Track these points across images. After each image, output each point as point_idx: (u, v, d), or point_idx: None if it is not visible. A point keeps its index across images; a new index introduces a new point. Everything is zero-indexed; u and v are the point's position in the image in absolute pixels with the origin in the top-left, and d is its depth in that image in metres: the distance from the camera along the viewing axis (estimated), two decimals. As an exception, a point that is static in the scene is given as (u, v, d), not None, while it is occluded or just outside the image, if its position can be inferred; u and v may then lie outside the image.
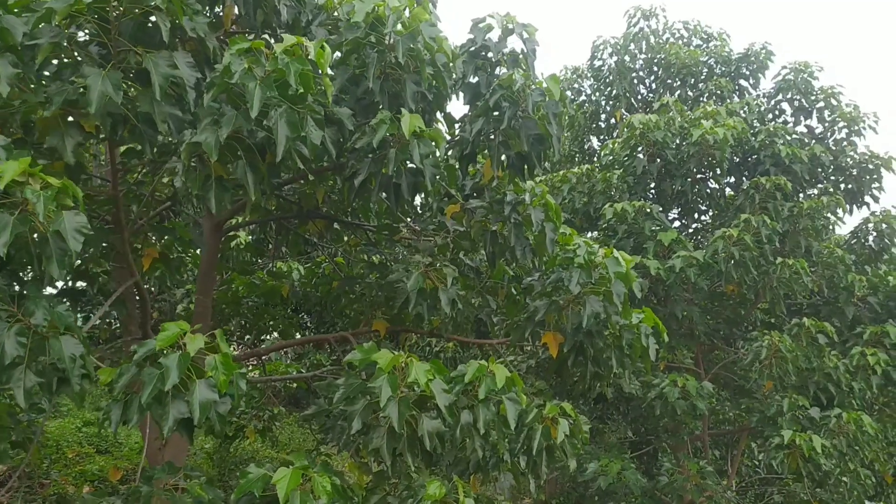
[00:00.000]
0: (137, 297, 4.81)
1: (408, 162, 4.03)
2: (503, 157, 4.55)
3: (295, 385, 10.82)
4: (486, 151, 4.81)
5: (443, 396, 4.11)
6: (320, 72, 3.56)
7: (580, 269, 4.90)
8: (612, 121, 13.51)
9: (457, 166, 5.75)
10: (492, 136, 4.54)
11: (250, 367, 8.40)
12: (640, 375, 9.56)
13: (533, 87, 4.33)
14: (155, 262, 4.78)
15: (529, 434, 4.67)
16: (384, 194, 4.38)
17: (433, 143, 3.91)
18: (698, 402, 8.63)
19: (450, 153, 4.97)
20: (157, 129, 3.37)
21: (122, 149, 4.85)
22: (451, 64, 4.37)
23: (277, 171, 3.76)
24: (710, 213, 10.44)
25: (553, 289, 5.18)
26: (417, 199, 6.66)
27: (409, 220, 6.47)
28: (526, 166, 4.60)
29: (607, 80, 12.85)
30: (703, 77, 11.94)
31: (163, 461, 5.82)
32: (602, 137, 13.98)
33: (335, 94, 4.16)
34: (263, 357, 12.60)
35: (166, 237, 5.06)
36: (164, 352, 3.28)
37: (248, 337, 8.18)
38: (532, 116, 4.34)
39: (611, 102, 13.10)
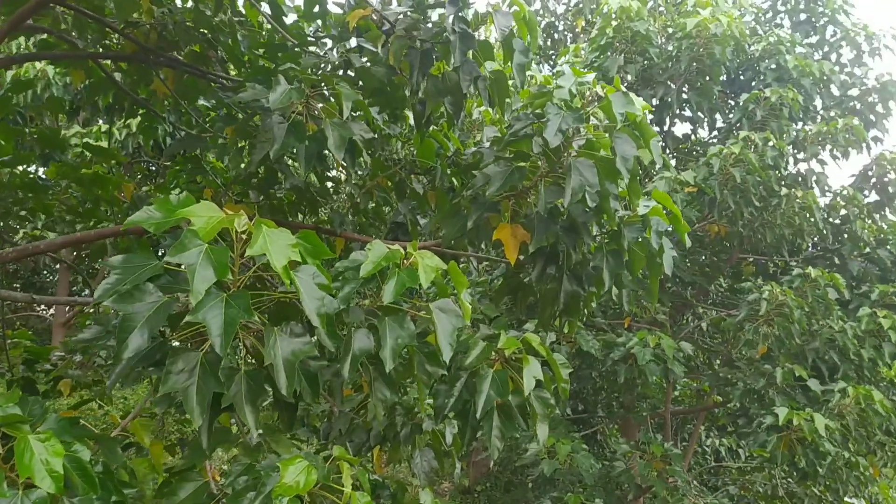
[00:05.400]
0: None
1: None
2: None
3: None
4: None
5: (315, 295, 2.23)
6: None
7: (563, 110, 3.06)
8: (570, 37, 11.76)
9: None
10: None
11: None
12: (597, 329, 7.92)
13: None
14: None
15: (472, 382, 2.84)
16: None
17: None
18: (675, 366, 7.03)
19: None
20: None
21: None
22: None
23: None
24: (694, 137, 8.83)
25: (516, 150, 3.34)
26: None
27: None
28: None
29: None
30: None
31: None
32: (553, 58, 12.21)
33: None
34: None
35: None
36: None
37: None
38: None
39: (570, 12, 11.34)
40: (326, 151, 3.19)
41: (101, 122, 10.74)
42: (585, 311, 4.06)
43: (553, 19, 11.65)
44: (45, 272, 16.46)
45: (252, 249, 2.10)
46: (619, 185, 3.19)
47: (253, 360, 2.47)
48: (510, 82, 3.40)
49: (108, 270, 2.20)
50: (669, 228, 3.45)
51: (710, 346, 9.32)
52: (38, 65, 8.96)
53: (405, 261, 2.51)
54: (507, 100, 3.45)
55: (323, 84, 2.98)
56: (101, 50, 4.88)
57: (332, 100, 3.11)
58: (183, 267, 2.02)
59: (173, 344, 2.30)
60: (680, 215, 3.47)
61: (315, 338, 2.36)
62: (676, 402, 11.57)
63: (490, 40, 3.49)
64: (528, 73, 3.51)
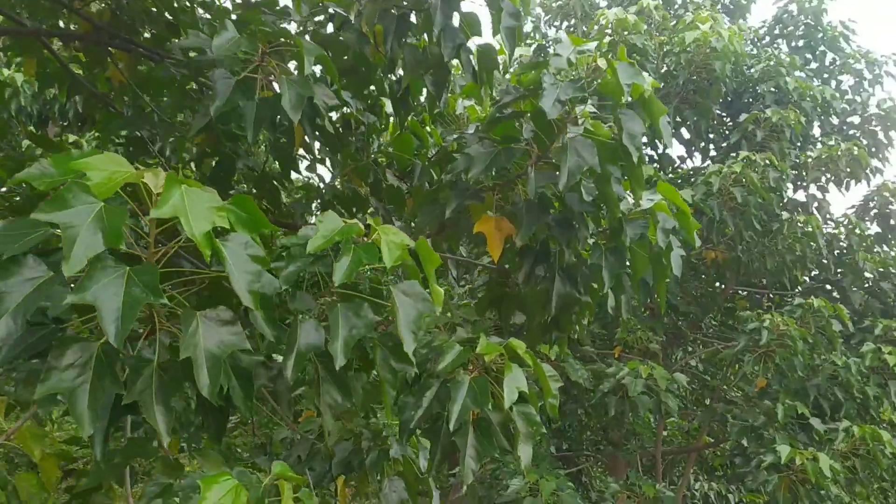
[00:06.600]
0: None
1: None
2: None
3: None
4: None
5: (247, 269, 1.79)
6: None
7: (562, 80, 2.66)
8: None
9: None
10: None
11: None
12: (586, 359, 7.46)
13: None
14: None
15: (445, 389, 2.40)
16: None
17: None
18: (668, 398, 6.58)
19: None
20: None
21: None
22: None
23: None
24: (691, 161, 8.50)
25: (504, 134, 2.92)
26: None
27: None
28: None
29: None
30: (677, 4, 10.03)
31: None
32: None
33: None
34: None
35: None
36: None
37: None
38: None
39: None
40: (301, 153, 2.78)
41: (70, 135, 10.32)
42: (578, 326, 3.63)
43: (544, 42, 11.37)
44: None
45: (160, 209, 1.65)
46: (622, 171, 2.78)
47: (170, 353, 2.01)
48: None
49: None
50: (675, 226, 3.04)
51: (703, 382, 8.89)
52: (6, 71, 8.57)
53: (365, 238, 2.07)
54: (496, 77, 3.05)
55: (282, 42, 2.55)
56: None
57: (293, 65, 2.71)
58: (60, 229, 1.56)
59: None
60: (689, 212, 3.06)
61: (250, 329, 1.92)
62: (666, 442, 11.09)
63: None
64: (518, 50, 3.10)
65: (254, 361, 1.96)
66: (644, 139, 6.93)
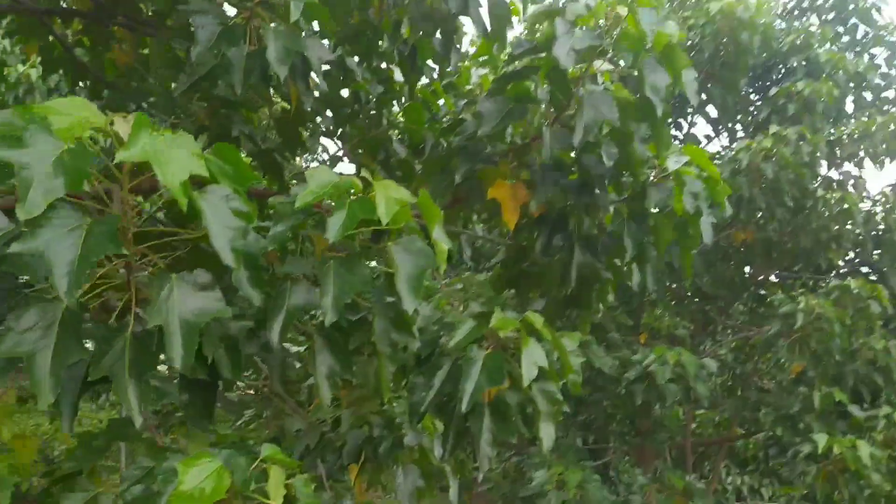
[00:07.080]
0: None
1: None
2: None
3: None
4: None
5: (228, 224, 1.63)
6: None
7: (575, 26, 2.46)
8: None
9: None
10: None
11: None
12: (610, 346, 7.22)
13: None
14: None
15: (457, 366, 2.22)
16: None
17: None
18: (698, 385, 6.34)
19: None
20: None
21: None
22: None
23: None
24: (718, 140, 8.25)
25: (516, 93, 2.73)
26: None
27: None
28: None
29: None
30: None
31: None
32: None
33: None
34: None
35: None
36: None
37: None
38: None
39: None
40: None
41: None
42: (602, 303, 3.44)
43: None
44: None
45: (126, 151, 1.47)
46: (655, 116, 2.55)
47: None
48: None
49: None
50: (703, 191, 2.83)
51: (733, 372, 8.61)
52: (20, 67, 8.53)
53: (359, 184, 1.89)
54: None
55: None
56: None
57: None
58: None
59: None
60: (718, 176, 2.85)
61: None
62: (695, 435, 10.84)
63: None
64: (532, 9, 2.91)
65: (242, 328, 1.80)
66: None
